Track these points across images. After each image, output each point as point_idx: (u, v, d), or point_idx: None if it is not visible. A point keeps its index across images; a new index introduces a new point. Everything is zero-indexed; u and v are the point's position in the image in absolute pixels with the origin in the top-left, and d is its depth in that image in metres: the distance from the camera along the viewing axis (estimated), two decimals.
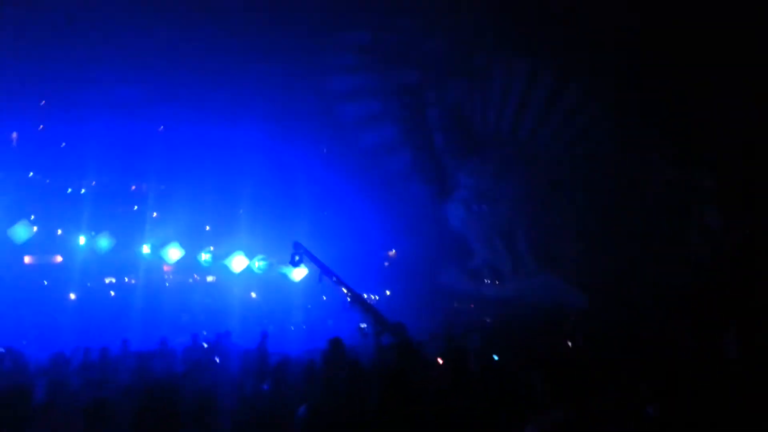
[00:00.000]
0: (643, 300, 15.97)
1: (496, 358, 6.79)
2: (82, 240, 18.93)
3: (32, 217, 18.26)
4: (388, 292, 22.90)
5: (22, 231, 17.31)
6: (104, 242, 19.05)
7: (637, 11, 12.66)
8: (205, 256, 21.47)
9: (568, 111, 18.30)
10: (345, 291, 10.18)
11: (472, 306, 20.21)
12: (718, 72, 12.19)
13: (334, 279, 10.58)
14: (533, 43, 16.38)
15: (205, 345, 13.17)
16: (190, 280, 23.22)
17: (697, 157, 16.07)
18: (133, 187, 21.73)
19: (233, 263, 20.92)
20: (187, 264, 21.65)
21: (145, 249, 20.39)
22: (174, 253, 20.57)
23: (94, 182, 20.63)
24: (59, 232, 19.55)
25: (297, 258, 10.28)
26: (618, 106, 17.33)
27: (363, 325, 8.78)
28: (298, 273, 19.90)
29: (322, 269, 10.22)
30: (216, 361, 11.43)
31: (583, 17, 13.75)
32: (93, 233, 18.94)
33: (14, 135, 17.92)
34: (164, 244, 20.44)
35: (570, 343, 9.40)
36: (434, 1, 15.06)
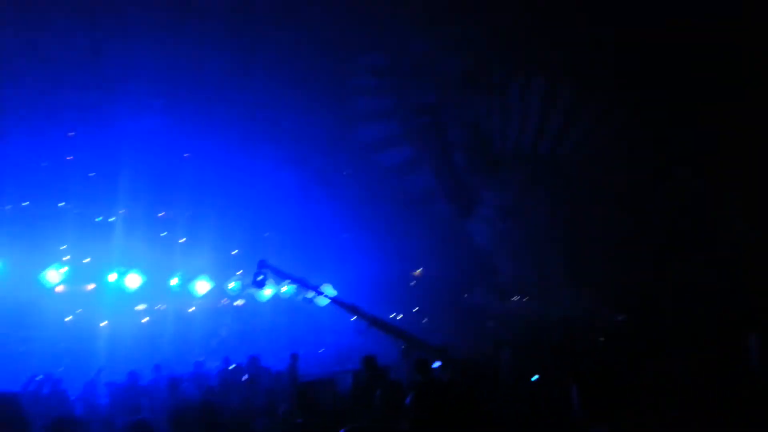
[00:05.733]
0: (674, 312, 15.76)
1: (534, 378, 6.71)
2: (112, 277, 18.94)
3: (64, 246, 18.47)
4: (416, 309, 22.83)
5: (53, 275, 17.32)
6: (133, 280, 18.98)
7: (661, 26, 12.63)
8: (231, 284, 21.39)
9: (590, 124, 18.28)
10: (351, 312, 9.83)
11: (500, 323, 20.06)
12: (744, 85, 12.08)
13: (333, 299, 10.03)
14: (551, 58, 16.44)
15: (232, 367, 13.22)
16: (219, 305, 23.29)
17: (721, 166, 15.92)
18: (161, 214, 21.93)
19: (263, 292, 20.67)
20: (216, 289, 21.71)
21: (174, 281, 20.44)
22: (203, 286, 20.58)
23: (122, 210, 20.88)
24: (87, 260, 19.71)
25: (260, 278, 9.80)
26: (640, 118, 17.27)
27: (403, 346, 8.65)
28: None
29: (302, 285, 9.78)
30: (248, 383, 11.49)
31: (602, 30, 13.79)
32: (123, 269, 19.02)
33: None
34: (193, 276, 20.48)
35: (604, 358, 9.30)
36: (450, 21, 15.21)
